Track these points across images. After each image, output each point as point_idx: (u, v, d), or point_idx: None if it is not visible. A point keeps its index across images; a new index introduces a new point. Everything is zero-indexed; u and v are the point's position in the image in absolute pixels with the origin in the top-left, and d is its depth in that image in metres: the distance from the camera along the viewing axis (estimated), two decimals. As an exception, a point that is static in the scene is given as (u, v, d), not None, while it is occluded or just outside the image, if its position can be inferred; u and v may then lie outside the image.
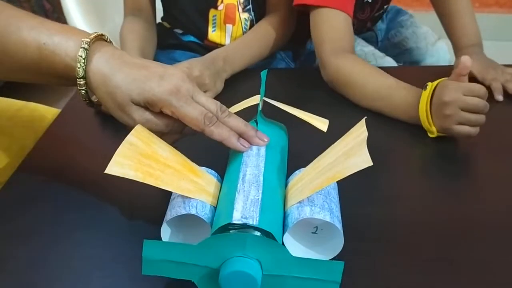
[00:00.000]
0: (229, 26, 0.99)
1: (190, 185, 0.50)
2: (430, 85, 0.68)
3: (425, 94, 0.68)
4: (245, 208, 0.46)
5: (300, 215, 0.47)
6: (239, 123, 0.55)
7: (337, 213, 0.48)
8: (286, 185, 0.54)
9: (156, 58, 0.95)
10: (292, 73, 0.97)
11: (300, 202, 0.48)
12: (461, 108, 0.64)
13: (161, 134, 0.54)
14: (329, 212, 0.47)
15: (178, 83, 0.53)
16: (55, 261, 0.51)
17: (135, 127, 0.52)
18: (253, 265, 0.43)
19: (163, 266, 0.44)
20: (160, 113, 0.54)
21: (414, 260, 0.49)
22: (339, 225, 0.47)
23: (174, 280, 0.45)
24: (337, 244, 0.48)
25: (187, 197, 0.49)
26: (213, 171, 0.55)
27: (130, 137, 0.50)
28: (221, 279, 0.43)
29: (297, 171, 0.54)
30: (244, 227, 0.45)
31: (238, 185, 0.49)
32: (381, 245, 0.51)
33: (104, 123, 0.77)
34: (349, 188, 0.53)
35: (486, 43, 0.90)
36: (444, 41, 1.05)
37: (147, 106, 0.53)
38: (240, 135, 0.55)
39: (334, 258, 0.48)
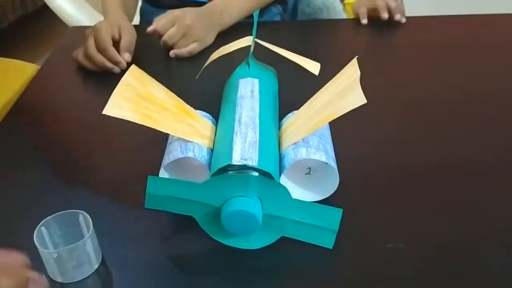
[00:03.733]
0: None
1: (186, 127, 0.51)
2: None
3: None
4: (244, 150, 0.47)
5: (297, 156, 0.48)
6: None
7: (332, 153, 0.50)
8: (279, 128, 0.55)
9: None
10: (286, 26, 0.96)
11: (295, 143, 0.50)
12: None
13: None
14: (324, 153, 0.49)
15: None
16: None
17: (130, 68, 0.51)
18: (255, 205, 0.44)
19: (166, 201, 0.45)
20: None
21: (400, 201, 0.52)
22: (334, 165, 0.49)
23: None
24: (332, 184, 0.50)
25: (184, 140, 0.49)
26: (207, 114, 0.55)
27: (126, 77, 0.50)
28: (223, 218, 0.44)
29: (289, 114, 0.55)
30: (243, 168, 0.46)
31: (235, 127, 0.50)
32: (368, 188, 0.54)
33: (86, 78, 0.77)
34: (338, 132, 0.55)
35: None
36: None
37: None
38: None
39: (330, 198, 0.50)
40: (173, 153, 0.49)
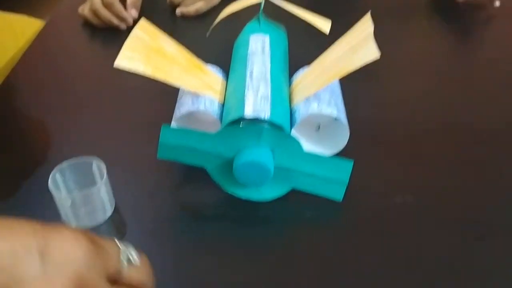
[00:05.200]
0: None
1: (197, 81, 0.51)
2: None
3: None
4: (256, 103, 0.47)
5: (308, 110, 0.48)
6: None
7: (342, 109, 0.50)
8: (290, 84, 0.55)
9: None
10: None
11: (306, 98, 0.50)
12: None
13: None
14: (335, 108, 0.49)
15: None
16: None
17: (140, 21, 0.51)
18: (267, 156, 0.45)
19: (178, 151, 0.46)
20: None
21: (410, 157, 0.53)
22: (345, 120, 0.49)
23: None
24: (342, 140, 0.50)
25: (195, 94, 0.50)
26: (217, 68, 0.55)
27: (136, 31, 0.49)
28: (235, 169, 0.45)
29: (300, 70, 0.55)
30: (255, 121, 0.46)
31: (247, 81, 0.50)
32: (378, 144, 0.54)
33: (93, 33, 0.76)
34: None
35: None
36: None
37: None
38: None
39: (339, 154, 0.50)
40: (184, 106, 0.49)
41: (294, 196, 0.47)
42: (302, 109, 0.49)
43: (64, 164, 0.44)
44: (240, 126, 0.45)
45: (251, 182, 0.46)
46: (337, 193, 0.47)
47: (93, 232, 0.31)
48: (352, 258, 0.42)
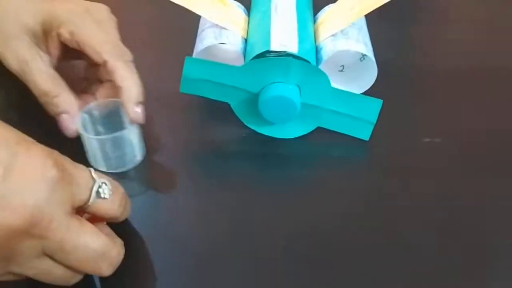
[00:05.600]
0: None
1: (220, 13, 0.48)
2: None
3: None
4: (283, 37, 0.45)
5: (336, 47, 0.46)
6: None
7: (370, 47, 0.48)
8: (314, 22, 0.53)
9: None
10: None
11: (333, 35, 0.48)
12: None
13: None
14: (364, 45, 0.47)
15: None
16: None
17: None
18: (294, 91, 0.43)
19: (202, 85, 0.44)
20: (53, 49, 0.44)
21: (440, 97, 0.51)
22: (373, 58, 0.47)
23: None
24: (368, 79, 0.48)
25: (217, 27, 0.47)
26: (239, 4, 0.53)
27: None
28: (261, 104, 0.43)
29: (326, 7, 0.53)
30: (282, 55, 0.44)
31: (272, 15, 0.47)
32: (406, 84, 0.53)
33: None
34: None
35: None
36: None
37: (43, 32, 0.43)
38: None
39: (366, 93, 0.49)
40: (206, 39, 0.47)
41: (319, 135, 0.46)
42: (328, 46, 0.47)
43: (92, 105, 0.42)
44: (267, 59, 0.43)
45: (276, 118, 0.44)
46: (364, 133, 0.45)
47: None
48: (379, 198, 0.41)
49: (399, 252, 0.37)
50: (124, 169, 0.42)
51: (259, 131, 0.46)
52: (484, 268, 0.37)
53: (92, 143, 0.41)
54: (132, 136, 0.42)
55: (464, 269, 0.36)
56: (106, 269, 0.31)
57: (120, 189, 0.33)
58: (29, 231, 0.27)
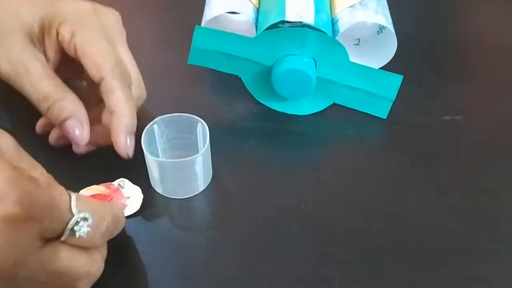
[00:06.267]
0: None
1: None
2: None
3: None
4: (298, 6, 0.42)
5: (354, 18, 0.44)
6: None
7: (390, 19, 0.46)
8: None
9: None
10: None
11: (351, 6, 0.45)
12: None
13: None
14: (384, 17, 0.44)
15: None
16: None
17: None
18: (310, 65, 0.41)
19: (211, 57, 0.42)
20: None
21: (461, 74, 0.49)
22: (393, 30, 0.44)
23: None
24: (386, 53, 0.46)
25: (227, -5, 0.45)
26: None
27: None
28: (274, 78, 0.41)
29: (342, -22, 0.50)
30: (297, 26, 0.41)
31: (285, -15, 0.45)
32: (426, 60, 0.50)
33: None
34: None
35: None
36: None
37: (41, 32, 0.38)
38: None
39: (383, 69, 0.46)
40: (215, 8, 0.44)
41: (335, 111, 0.43)
42: (345, 18, 0.44)
43: (160, 118, 0.37)
44: (282, 30, 0.40)
45: (290, 93, 0.42)
46: (382, 110, 0.43)
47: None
48: (396, 178, 0.39)
49: (416, 232, 0.36)
50: (184, 197, 0.38)
51: (271, 107, 0.44)
52: (510, 252, 0.35)
53: (153, 164, 0.36)
54: (199, 164, 0.36)
55: (488, 250, 0.35)
56: (84, 286, 0.28)
57: (106, 221, 0.28)
58: None
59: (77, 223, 0.26)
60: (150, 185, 0.38)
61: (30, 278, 0.25)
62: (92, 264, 0.28)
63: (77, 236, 0.26)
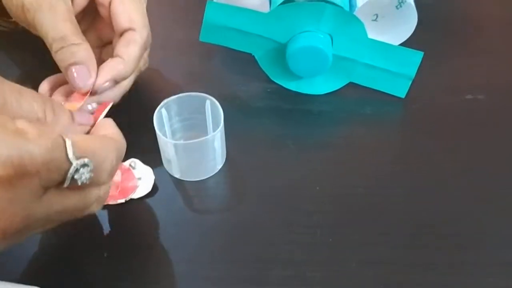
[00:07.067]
0: None
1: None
2: None
3: None
4: (314, -20, 0.40)
5: (372, -7, 0.42)
6: None
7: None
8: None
9: None
10: None
11: (369, -20, 0.43)
12: None
13: None
14: (403, -10, 0.42)
15: None
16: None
17: None
18: (326, 41, 0.39)
19: (224, 33, 0.40)
20: None
21: (484, 51, 0.47)
22: (413, 4, 0.43)
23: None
24: (405, 30, 0.44)
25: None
26: None
27: None
28: (289, 55, 0.39)
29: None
30: (312, 1, 0.40)
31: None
32: (447, 36, 0.48)
33: None
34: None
35: None
36: None
37: None
38: None
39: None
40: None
41: (351, 91, 0.42)
42: (363, -8, 0.43)
43: (171, 99, 0.36)
44: (297, 4, 0.38)
45: (305, 72, 0.40)
46: (401, 89, 0.41)
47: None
48: (415, 159, 0.38)
49: (437, 215, 0.34)
50: (199, 179, 0.37)
51: (286, 86, 0.42)
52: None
53: (167, 146, 0.35)
54: (216, 142, 0.36)
55: (509, 235, 0.33)
56: (95, 209, 0.28)
57: (109, 159, 0.27)
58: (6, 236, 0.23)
59: (76, 170, 0.24)
60: (162, 165, 0.37)
61: (43, 221, 0.25)
62: (100, 189, 0.28)
63: (79, 183, 0.25)
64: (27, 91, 0.28)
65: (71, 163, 0.24)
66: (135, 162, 0.37)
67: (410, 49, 0.40)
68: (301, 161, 0.38)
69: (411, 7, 0.42)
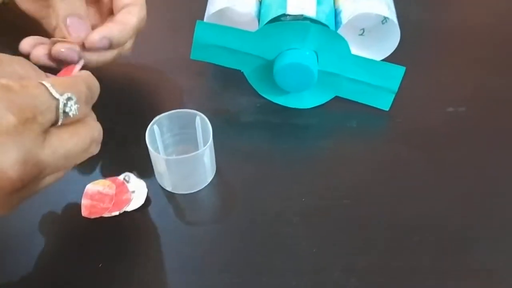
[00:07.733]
0: None
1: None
2: None
3: None
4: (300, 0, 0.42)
5: (357, 9, 0.44)
6: None
7: (393, 9, 0.45)
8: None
9: None
10: None
11: (354, -3, 0.45)
12: None
13: None
14: (386, 7, 0.44)
15: None
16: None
17: None
18: (311, 58, 0.41)
19: (214, 51, 0.42)
20: None
21: (464, 64, 0.48)
22: (396, 20, 0.44)
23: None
24: (390, 44, 0.45)
25: (229, -12, 0.45)
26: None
27: None
28: (276, 71, 0.41)
29: (345, -32, 0.50)
30: (298, 19, 0.41)
31: (288, -24, 0.45)
32: (428, 51, 0.50)
33: None
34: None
35: None
36: None
37: None
38: None
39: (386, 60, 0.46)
40: (218, 1, 0.45)
41: (337, 104, 0.44)
42: (348, 9, 0.44)
43: (163, 115, 0.38)
44: (283, 23, 0.40)
45: (292, 87, 0.42)
46: (385, 102, 0.43)
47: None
48: (399, 171, 0.39)
49: (421, 223, 0.36)
50: (190, 191, 0.39)
51: (273, 101, 0.44)
52: None
53: (159, 161, 0.37)
54: (205, 157, 0.37)
55: (490, 241, 0.35)
56: (95, 151, 0.31)
57: (83, 92, 0.29)
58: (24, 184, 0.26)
59: (65, 104, 0.27)
60: (155, 179, 0.39)
61: (52, 167, 0.27)
62: (93, 130, 0.30)
63: (71, 116, 0.28)
64: (6, 57, 0.30)
65: (57, 100, 0.27)
66: (129, 176, 0.38)
67: (393, 64, 0.42)
68: (288, 173, 0.39)
69: (394, 24, 0.44)
